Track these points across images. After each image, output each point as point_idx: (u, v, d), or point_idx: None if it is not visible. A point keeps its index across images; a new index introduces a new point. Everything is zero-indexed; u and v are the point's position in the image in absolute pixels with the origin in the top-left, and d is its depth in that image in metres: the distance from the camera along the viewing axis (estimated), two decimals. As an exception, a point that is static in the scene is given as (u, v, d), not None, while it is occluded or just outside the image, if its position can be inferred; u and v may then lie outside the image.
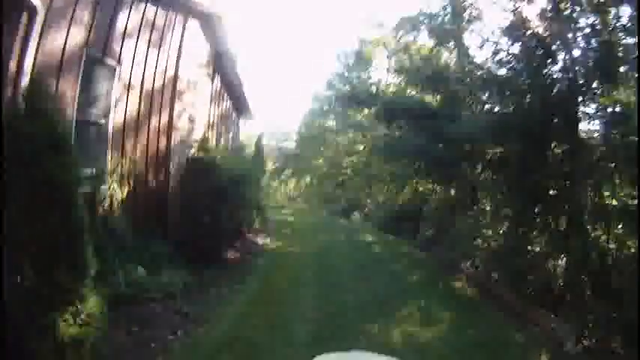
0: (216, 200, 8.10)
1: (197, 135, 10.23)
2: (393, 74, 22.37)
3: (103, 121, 6.95)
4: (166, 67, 8.51)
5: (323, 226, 15.15)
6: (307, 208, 29.29)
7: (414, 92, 15.35)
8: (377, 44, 26.66)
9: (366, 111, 24.24)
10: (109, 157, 6.99)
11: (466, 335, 6.19)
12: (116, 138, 7.16)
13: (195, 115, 10.31)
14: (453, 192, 14.38)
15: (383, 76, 26.92)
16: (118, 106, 7.21)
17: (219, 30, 11.01)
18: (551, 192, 8.14)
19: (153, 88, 8.05)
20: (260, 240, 11.19)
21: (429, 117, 11.37)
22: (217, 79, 12.28)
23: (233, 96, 14.12)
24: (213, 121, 12.07)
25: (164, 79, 8.48)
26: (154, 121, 8.22)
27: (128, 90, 7.39)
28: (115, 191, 6.88)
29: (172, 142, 8.79)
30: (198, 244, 7.85)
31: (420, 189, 16.54)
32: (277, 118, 72.83)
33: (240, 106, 15.18)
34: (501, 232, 9.58)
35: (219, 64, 11.96)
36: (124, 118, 7.30)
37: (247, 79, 40.28)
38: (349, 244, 11.99)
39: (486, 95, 10.20)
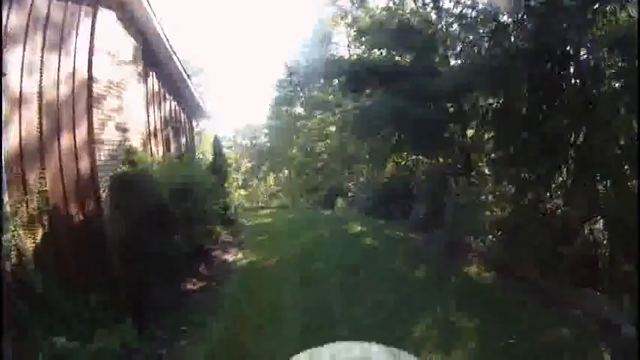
0: (155, 222, 6.28)
1: (135, 146, 8.43)
2: (355, 42, 20.40)
3: (-12, 150, 5.12)
4: (74, 69, 6.83)
5: (305, 222, 13.34)
6: (289, 202, 27.60)
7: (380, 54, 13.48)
8: (336, 20, 24.88)
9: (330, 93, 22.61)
10: (4, 197, 5.15)
11: (510, 348, 4.84)
12: (13, 169, 5.33)
13: (127, 122, 8.51)
14: (440, 160, 12.79)
15: (345, 52, 25.10)
16: (8, 127, 5.35)
17: (143, 19, 9.21)
18: (572, 139, 6.43)
19: (58, 97, 6.36)
20: (230, 256, 9.41)
21: (401, 76, 9.68)
22: (152, 78, 10.38)
23: (178, 95, 12.20)
24: (154, 128, 10.18)
25: (73, 84, 6.82)
26: (66, 139, 6.47)
27: (20, 105, 5.55)
28: (21, 240, 5.12)
29: (98, 160, 7.05)
30: (145, 285, 6.06)
31: (402, 162, 14.91)
32: (245, 115, 70.68)
33: (189, 106, 13.21)
34: (511, 197, 7.91)
35: (151, 60, 10.14)
36: (20, 142, 5.48)
37: (200, 76, 38.30)
38: (336, 239, 10.22)
39: (470, 37, 8.37)
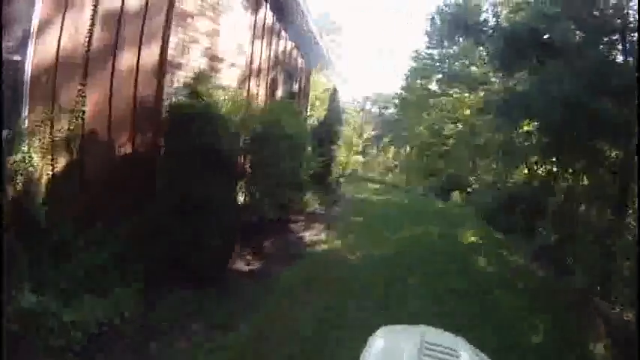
0: (213, 174, 4.97)
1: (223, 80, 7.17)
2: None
3: (17, 57, 4.08)
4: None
5: (413, 210, 11.43)
6: (402, 181, 25.50)
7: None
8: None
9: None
10: (24, 113, 4.11)
11: None
12: (41, 79, 4.23)
13: (222, 51, 7.19)
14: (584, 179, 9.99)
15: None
16: (45, 31, 4.26)
17: None
18: None
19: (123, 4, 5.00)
20: (310, 235, 7.91)
21: (579, 53, 7.06)
22: (265, 9, 8.95)
23: (297, 36, 10.64)
24: (257, 65, 8.82)
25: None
26: (127, 54, 5.24)
27: (66, 6, 4.39)
28: (34, 164, 4.07)
29: (167, 87, 5.81)
30: (177, 251, 4.84)
31: (540, 171, 12.12)
32: (378, 83, 68.39)
33: (309, 52, 11.62)
34: None
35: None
36: (58, 47, 4.33)
37: (337, 34, 36.74)
38: (441, 247, 8.17)
39: None
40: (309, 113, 11.74)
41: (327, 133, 10.96)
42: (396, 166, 34.32)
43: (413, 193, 17.30)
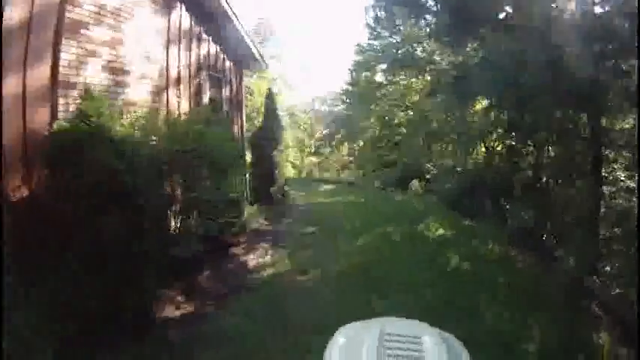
0: (120, 205, 3.71)
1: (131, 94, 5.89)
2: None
3: None
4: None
5: (372, 209, 10.27)
6: (359, 176, 24.50)
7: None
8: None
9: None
10: None
11: None
12: None
13: (127, 63, 5.91)
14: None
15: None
16: None
17: None
18: None
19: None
20: (254, 258, 6.60)
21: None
22: (180, 10, 7.67)
23: (221, 38, 9.33)
24: (177, 75, 7.50)
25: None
26: (10, 82, 4.11)
27: None
28: None
29: (63, 113, 4.76)
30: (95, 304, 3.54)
31: (499, 148, 11.28)
32: (326, 81, 67.53)
33: (237, 53, 10.27)
34: None
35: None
36: None
37: (276, 38, 35.44)
38: (407, 249, 7.09)
39: None
40: (244, 120, 10.40)
41: (267, 139, 9.69)
42: (351, 162, 33.37)
43: (370, 188, 16.15)
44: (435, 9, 8.64)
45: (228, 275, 5.79)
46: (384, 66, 24.83)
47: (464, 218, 10.18)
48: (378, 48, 25.26)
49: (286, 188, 9.94)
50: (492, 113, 10.02)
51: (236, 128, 10.06)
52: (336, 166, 36.74)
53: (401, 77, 21.07)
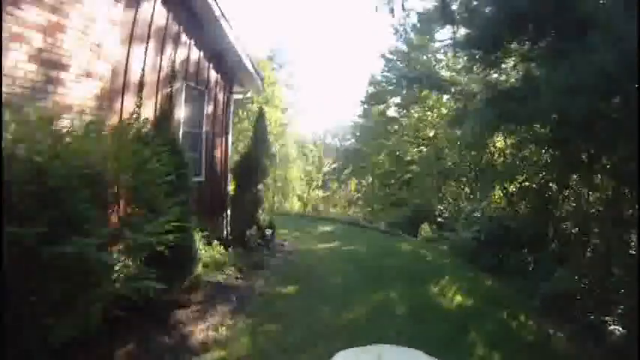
0: None
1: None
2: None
3: None
4: None
5: (372, 262, 8.26)
6: (365, 215, 22.60)
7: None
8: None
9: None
10: None
11: None
12: None
13: (64, 55, 4.30)
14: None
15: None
16: None
17: None
18: None
19: None
20: (205, 329, 4.58)
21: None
22: (154, 2, 6.18)
23: (206, 41, 7.76)
24: (140, 79, 5.89)
25: None
26: None
27: None
28: None
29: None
30: None
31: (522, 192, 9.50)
32: (338, 113, 66.56)
33: (227, 64, 8.63)
34: None
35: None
36: None
37: (290, 66, 34.42)
38: (418, 326, 5.16)
39: None
40: (230, 144, 8.71)
41: (251, 170, 7.97)
42: (358, 198, 31.55)
43: (374, 232, 14.14)
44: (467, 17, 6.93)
45: (158, 357, 3.96)
46: (397, 99, 23.41)
47: (482, 272, 8.33)
48: (393, 80, 23.88)
49: (268, 232, 8.00)
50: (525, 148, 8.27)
51: (218, 153, 8.41)
52: (343, 202, 34.94)
53: (415, 110, 19.42)
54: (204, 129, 7.98)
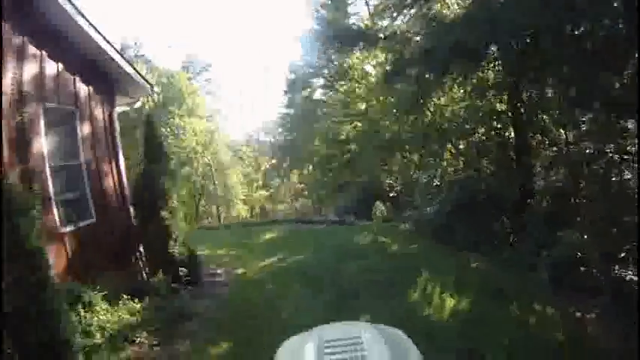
0: None
1: None
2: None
3: None
4: None
5: (331, 274, 6.14)
6: (312, 206, 20.92)
7: None
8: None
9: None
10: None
11: None
12: None
13: None
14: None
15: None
16: None
17: None
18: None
19: None
20: None
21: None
22: None
23: (63, 52, 5.56)
24: None
25: None
26: None
27: None
28: None
29: None
30: None
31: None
32: (266, 110, 64.15)
33: (101, 74, 6.35)
34: None
35: None
36: None
37: (208, 72, 31.87)
38: None
39: None
40: (123, 168, 6.49)
41: (151, 192, 5.82)
42: (302, 190, 29.77)
43: (325, 225, 12.27)
44: None
45: None
46: (321, 81, 21.73)
47: (460, 252, 6.80)
48: (315, 63, 22.13)
49: (183, 272, 5.78)
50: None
51: (110, 182, 6.25)
52: (289, 197, 33.08)
53: (341, 85, 17.63)
54: (82, 158, 5.83)
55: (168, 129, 25.22)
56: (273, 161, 35.58)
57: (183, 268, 5.58)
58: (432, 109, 9.57)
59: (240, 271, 7.09)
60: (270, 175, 36.13)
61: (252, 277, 6.73)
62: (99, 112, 6.35)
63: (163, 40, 53.42)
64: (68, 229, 5.20)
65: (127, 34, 26.07)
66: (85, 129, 6.00)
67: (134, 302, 5.03)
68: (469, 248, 6.74)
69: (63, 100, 5.61)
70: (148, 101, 25.29)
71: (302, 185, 30.49)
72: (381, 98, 13.48)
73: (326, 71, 20.27)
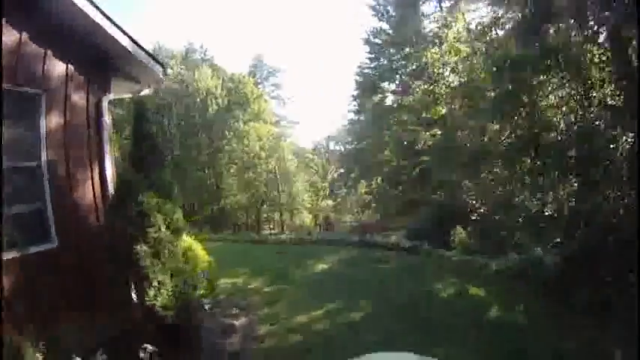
0: None
1: None
2: None
3: None
4: None
5: (382, 344, 3.95)
6: (376, 223, 18.42)
7: None
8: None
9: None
10: None
11: None
12: None
13: None
14: None
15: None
16: None
17: None
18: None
19: None
20: None
21: None
22: None
23: (43, 21, 3.83)
24: None
25: None
26: None
27: None
28: None
29: None
30: None
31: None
32: (337, 118, 62.09)
33: (89, 49, 4.51)
34: None
35: None
36: None
37: (280, 75, 30.52)
38: None
39: None
40: (109, 174, 4.58)
41: (119, 217, 3.70)
42: (370, 202, 27.39)
43: (394, 257, 9.44)
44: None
45: None
46: (394, 85, 19.39)
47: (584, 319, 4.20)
48: (385, 63, 19.84)
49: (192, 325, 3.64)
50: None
51: (87, 192, 4.39)
52: (355, 209, 30.63)
53: (418, 84, 14.95)
54: (43, 158, 4.02)
55: (232, 133, 24.20)
56: (341, 170, 33.61)
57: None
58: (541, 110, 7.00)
59: (266, 328, 4.90)
60: (336, 185, 34.14)
61: (282, 343, 4.49)
62: (80, 99, 4.52)
63: (230, 45, 53.48)
64: (7, 255, 3.42)
65: (193, 38, 25.46)
66: (53, 119, 4.19)
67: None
68: (595, 314, 4.14)
69: (24, 79, 3.86)
70: (211, 104, 24.51)
71: (369, 197, 28.09)
72: (465, 100, 10.88)
73: (399, 72, 17.94)
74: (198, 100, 24.30)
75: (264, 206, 26.34)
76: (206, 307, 5.32)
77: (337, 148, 39.69)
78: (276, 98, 33.20)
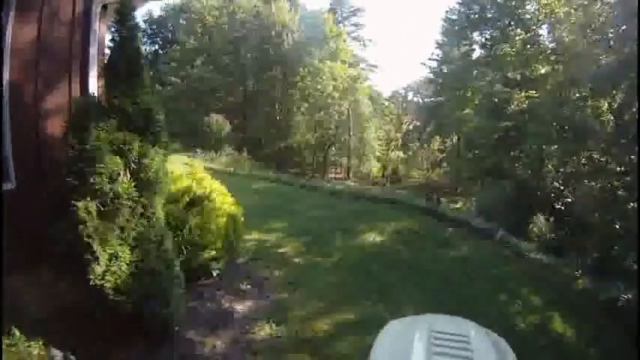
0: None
1: None
2: None
3: None
4: None
5: None
6: (444, 181, 16.59)
7: None
8: None
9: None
10: None
11: None
12: None
13: None
14: None
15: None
16: None
17: None
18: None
19: None
20: None
21: None
22: None
23: None
24: None
25: None
26: None
27: None
28: None
29: None
30: None
31: None
32: (419, 68, 57.42)
33: None
34: None
35: None
36: None
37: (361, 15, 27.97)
38: None
39: None
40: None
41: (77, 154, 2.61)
42: (441, 160, 25.18)
43: (464, 237, 7.53)
44: None
45: None
46: (484, 37, 16.72)
47: None
48: (477, 9, 17.01)
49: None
50: None
51: (58, 123, 3.29)
52: (426, 165, 28.36)
53: (517, 32, 12.32)
54: (5, 78, 3.03)
55: (306, 69, 22.71)
56: (417, 123, 31.18)
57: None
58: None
59: (268, 330, 3.68)
60: (409, 138, 31.78)
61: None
62: (63, 5, 3.40)
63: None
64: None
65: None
66: (24, 27, 3.13)
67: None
68: None
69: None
70: (287, 38, 22.81)
71: (442, 156, 25.82)
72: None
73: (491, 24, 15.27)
74: (273, 33, 22.86)
75: (333, 149, 25.05)
76: (214, 272, 4.34)
77: (415, 99, 37.00)
78: (356, 39, 30.83)
